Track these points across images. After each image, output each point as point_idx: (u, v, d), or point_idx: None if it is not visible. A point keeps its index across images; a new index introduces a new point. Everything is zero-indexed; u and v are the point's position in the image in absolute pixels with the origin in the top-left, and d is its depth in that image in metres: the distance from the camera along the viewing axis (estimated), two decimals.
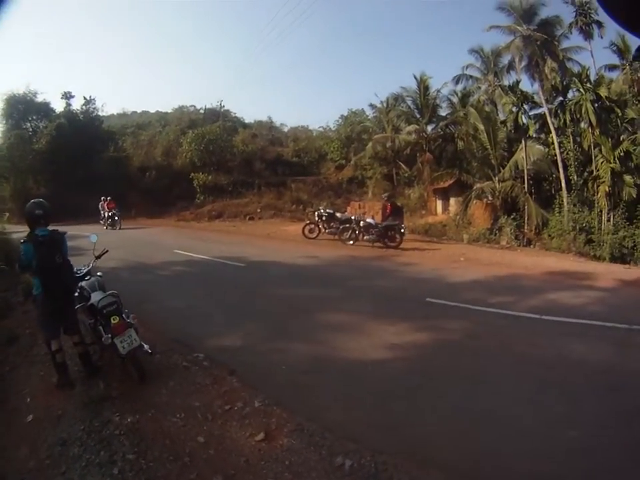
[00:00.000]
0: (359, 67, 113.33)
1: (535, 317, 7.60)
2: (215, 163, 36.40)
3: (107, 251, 7.26)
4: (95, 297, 5.88)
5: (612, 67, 26.53)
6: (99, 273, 6.87)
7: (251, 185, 34.59)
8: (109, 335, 5.26)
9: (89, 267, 6.84)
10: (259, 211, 30.96)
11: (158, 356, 6.26)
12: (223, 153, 37.11)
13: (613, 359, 5.98)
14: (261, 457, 4.02)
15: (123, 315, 5.53)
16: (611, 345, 6.50)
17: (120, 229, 25.87)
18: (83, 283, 6.37)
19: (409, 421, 4.59)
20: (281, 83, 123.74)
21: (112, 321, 5.32)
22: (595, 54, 26.31)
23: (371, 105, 37.00)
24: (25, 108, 40.06)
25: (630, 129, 23.78)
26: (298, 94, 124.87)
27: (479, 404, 4.77)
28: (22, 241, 5.40)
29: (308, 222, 20.00)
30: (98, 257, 6.96)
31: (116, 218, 26.42)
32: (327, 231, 18.68)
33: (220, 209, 31.96)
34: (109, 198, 27.49)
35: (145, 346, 5.59)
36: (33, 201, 5.78)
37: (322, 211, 19.25)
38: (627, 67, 24.46)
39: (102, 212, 27.74)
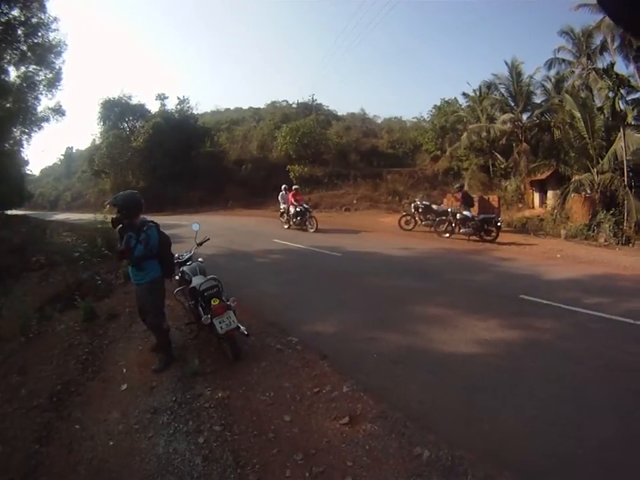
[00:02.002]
0: (451, 56, 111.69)
1: (629, 322, 7.26)
2: (310, 155, 37.13)
3: (208, 239, 7.81)
4: (196, 280, 6.40)
5: None
6: (199, 259, 7.37)
7: (347, 177, 34.98)
8: (209, 316, 5.69)
9: (191, 253, 7.45)
10: (354, 202, 31.10)
11: (253, 337, 6.62)
12: (317, 145, 37.71)
13: None
14: (342, 440, 4.25)
15: (223, 298, 5.95)
16: None
17: (316, 231, 19.14)
18: (185, 268, 6.94)
19: (492, 418, 4.59)
20: (372, 75, 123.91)
21: (212, 303, 5.75)
22: None
23: (464, 94, 36.12)
24: (121, 110, 43.64)
25: None
26: (391, 85, 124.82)
27: (563, 409, 4.73)
28: (148, 226, 5.71)
29: (404, 213, 20.16)
30: (199, 244, 7.54)
31: (307, 215, 19.82)
32: (423, 223, 18.87)
33: (316, 199, 32.19)
34: (294, 187, 21.40)
35: (242, 327, 5.97)
36: (131, 191, 6.12)
37: (418, 202, 19.41)
38: None
39: (283, 205, 21.52)
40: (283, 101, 65.77)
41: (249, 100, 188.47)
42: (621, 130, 21.15)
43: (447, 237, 17.02)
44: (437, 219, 17.78)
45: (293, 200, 20.44)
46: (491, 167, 32.51)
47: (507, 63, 30.86)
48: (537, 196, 28.19)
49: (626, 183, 20.56)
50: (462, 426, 4.47)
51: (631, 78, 23.80)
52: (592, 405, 4.79)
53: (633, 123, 23.39)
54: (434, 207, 18.99)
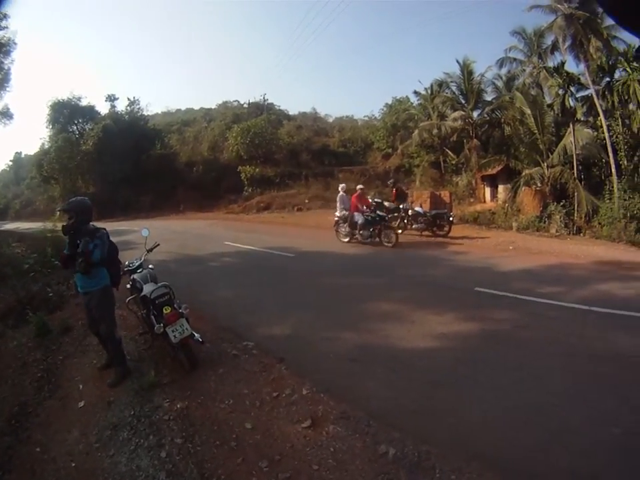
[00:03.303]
0: (404, 55, 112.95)
1: (584, 308, 7.47)
2: (262, 156, 37.19)
3: (158, 245, 7.53)
4: (147, 288, 6.13)
5: None
6: (150, 266, 7.12)
7: (298, 176, 35.05)
8: (161, 325, 5.50)
9: (141, 260, 7.14)
10: (306, 201, 31.27)
11: (208, 344, 6.44)
12: (268, 145, 37.79)
13: None
14: (306, 443, 4.18)
15: (175, 305, 5.78)
16: None
17: (395, 245, 14.69)
18: (135, 276, 6.70)
19: (455, 410, 4.61)
20: (324, 74, 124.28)
21: (164, 311, 5.56)
22: None
23: (416, 92, 36.51)
24: (70, 112, 42.47)
25: None
26: (343, 84, 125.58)
27: (525, 396, 4.80)
28: (101, 232, 5.53)
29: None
30: (149, 250, 7.25)
31: (382, 225, 15.32)
32: None
33: (268, 200, 32.41)
34: (359, 187, 16.50)
35: (196, 335, 5.79)
36: (82, 198, 5.91)
37: (370, 200, 19.31)
38: None
39: (342, 211, 16.49)
40: (234, 101, 65.69)
41: (200, 100, 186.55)
42: (571, 125, 21.86)
43: (400, 233, 16.75)
44: (389, 216, 17.55)
45: (358, 204, 15.69)
46: (442, 163, 33.02)
47: (458, 62, 31.28)
48: (488, 190, 28.86)
49: (575, 175, 21.26)
50: (426, 421, 4.48)
51: (581, 76, 24.37)
52: (553, 391, 4.89)
53: (582, 118, 24.19)
54: (386, 204, 18.83)
